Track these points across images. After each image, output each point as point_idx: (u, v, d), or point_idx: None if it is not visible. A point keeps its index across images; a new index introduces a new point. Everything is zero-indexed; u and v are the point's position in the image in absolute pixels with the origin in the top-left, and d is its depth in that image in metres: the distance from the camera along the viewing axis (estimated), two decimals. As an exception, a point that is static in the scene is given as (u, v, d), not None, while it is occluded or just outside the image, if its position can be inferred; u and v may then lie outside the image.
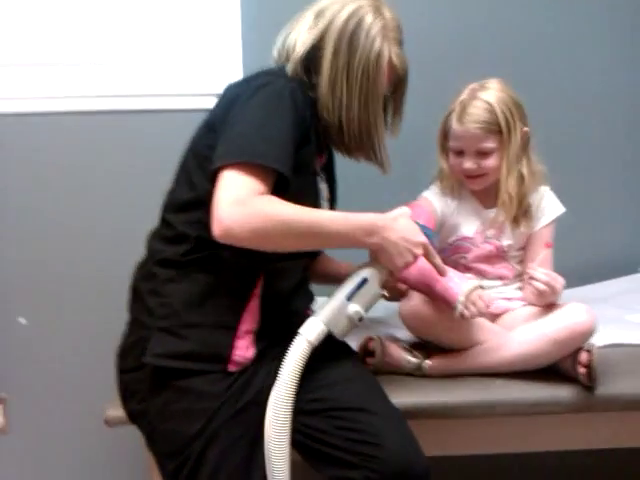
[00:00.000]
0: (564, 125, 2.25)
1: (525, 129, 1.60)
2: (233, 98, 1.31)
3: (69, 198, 2.12)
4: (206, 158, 1.27)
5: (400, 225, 1.29)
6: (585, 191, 2.24)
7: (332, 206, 1.52)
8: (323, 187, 1.46)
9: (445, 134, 1.63)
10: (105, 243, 2.12)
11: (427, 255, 1.33)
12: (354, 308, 1.25)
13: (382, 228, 1.27)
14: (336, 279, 1.38)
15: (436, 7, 2.21)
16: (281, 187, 1.24)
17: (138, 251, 1.41)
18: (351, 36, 1.34)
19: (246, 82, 1.35)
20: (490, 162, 1.58)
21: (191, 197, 1.31)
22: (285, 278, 1.36)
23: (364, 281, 1.29)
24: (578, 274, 2.00)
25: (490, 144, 1.57)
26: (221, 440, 1.24)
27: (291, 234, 1.22)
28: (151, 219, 1.40)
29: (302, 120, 1.29)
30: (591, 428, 1.52)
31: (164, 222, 1.37)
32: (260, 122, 1.24)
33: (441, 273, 1.39)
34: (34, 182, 2.11)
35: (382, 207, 1.34)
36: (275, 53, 1.44)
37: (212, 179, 1.22)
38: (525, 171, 1.60)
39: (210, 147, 1.27)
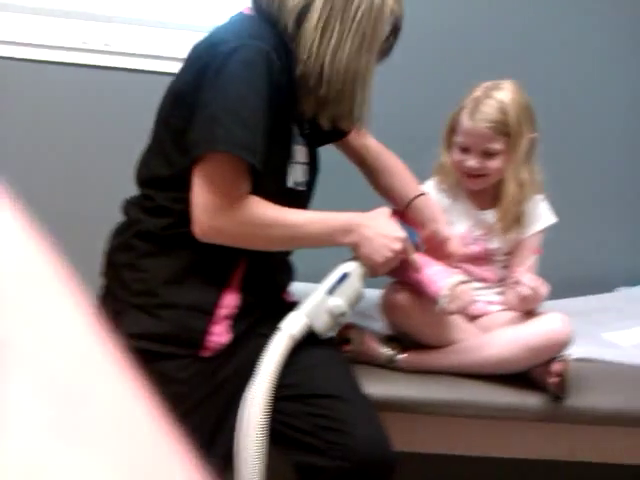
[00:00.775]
0: (554, 137, 2.26)
1: (534, 135, 1.58)
2: (201, 66, 1.22)
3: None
4: (180, 132, 1.23)
5: (377, 222, 1.30)
6: (570, 205, 2.25)
7: (312, 174, 1.44)
8: (299, 150, 1.37)
9: (453, 129, 1.60)
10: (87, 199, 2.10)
11: (404, 250, 1.33)
12: (335, 302, 1.26)
13: (358, 225, 1.28)
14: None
15: (443, 3, 2.20)
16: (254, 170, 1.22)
17: (116, 216, 1.37)
18: None
19: (214, 46, 1.23)
20: (494, 163, 1.55)
21: (171, 175, 1.26)
22: (271, 253, 1.35)
23: (345, 276, 1.29)
24: (557, 287, 2.03)
25: (497, 145, 1.53)
26: (186, 425, 1.22)
27: (271, 240, 1.25)
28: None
29: (278, 86, 1.21)
30: (555, 439, 1.54)
31: (143, 193, 1.33)
32: (232, 103, 1.17)
33: (416, 270, 1.39)
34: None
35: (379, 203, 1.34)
36: None
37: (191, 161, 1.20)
38: (527, 178, 1.58)
39: (183, 120, 1.22)
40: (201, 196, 1.19)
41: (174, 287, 1.25)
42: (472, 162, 1.55)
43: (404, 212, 1.47)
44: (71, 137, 2.11)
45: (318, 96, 1.28)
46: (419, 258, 1.45)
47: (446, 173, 1.64)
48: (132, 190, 1.37)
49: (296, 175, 1.36)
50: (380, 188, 1.60)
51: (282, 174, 1.32)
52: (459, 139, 1.57)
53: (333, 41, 1.23)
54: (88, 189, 2.11)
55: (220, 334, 1.26)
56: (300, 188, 1.39)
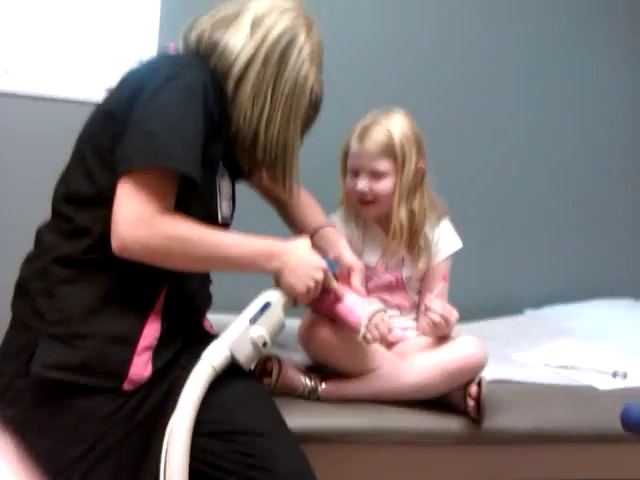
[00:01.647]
0: (457, 163, 2.34)
1: (421, 165, 1.62)
2: (137, 88, 1.21)
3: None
4: (107, 150, 1.20)
5: (299, 251, 1.31)
6: (476, 230, 2.32)
7: (233, 204, 1.47)
8: (225, 184, 1.39)
9: (345, 155, 1.65)
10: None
11: (325, 280, 1.34)
12: (258, 332, 1.23)
13: (281, 253, 1.29)
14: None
15: (348, 35, 2.28)
16: (186, 188, 1.21)
17: (27, 244, 1.31)
18: (283, 52, 1.32)
19: (153, 70, 1.26)
20: (382, 186, 1.58)
21: (93, 193, 1.22)
22: (190, 277, 1.32)
23: (267, 305, 1.27)
24: (467, 310, 2.08)
25: (384, 166, 1.58)
26: (106, 464, 1.16)
27: (192, 257, 1.21)
28: (40, 209, 1.31)
29: (212, 116, 1.24)
30: (478, 461, 1.56)
31: (60, 215, 1.26)
32: (172, 122, 1.18)
33: (338, 298, 1.40)
34: None
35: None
36: (193, 39, 1.34)
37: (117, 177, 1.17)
38: (416, 207, 1.62)
39: (112, 138, 1.20)
40: (126, 206, 1.15)
41: (93, 316, 1.19)
42: (361, 184, 1.59)
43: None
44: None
45: (253, 157, 1.35)
46: (338, 287, 1.45)
47: (347, 202, 1.67)
48: (34, 216, 1.32)
49: (224, 210, 1.37)
50: (287, 219, 1.63)
51: (212, 208, 1.32)
52: (349, 162, 1.62)
53: (265, 111, 1.31)
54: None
55: (142, 366, 1.20)
56: (226, 222, 1.39)
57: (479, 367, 1.49)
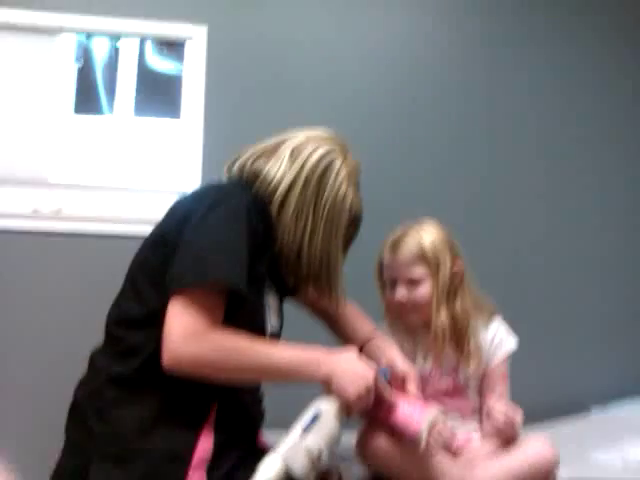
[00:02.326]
0: (524, 264, 2.32)
1: (457, 267, 1.62)
2: (185, 215, 1.30)
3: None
4: (158, 273, 1.26)
5: (347, 358, 1.31)
6: (537, 327, 2.27)
7: (281, 321, 1.50)
8: (273, 299, 1.43)
9: (380, 267, 1.66)
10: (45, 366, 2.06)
11: (377, 389, 1.33)
12: (312, 441, 1.20)
13: (330, 361, 1.29)
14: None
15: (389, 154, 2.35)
16: (235, 303, 1.25)
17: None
18: (321, 176, 1.40)
19: (199, 199, 1.35)
20: (420, 292, 1.59)
21: (143, 313, 1.27)
22: (241, 390, 1.32)
23: (320, 414, 1.25)
24: (530, 409, 2.02)
25: (418, 272, 1.59)
26: None
27: (242, 369, 1.23)
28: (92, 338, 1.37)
29: (256, 235, 1.29)
30: None
31: (112, 337, 1.32)
32: (218, 241, 1.24)
33: (393, 407, 1.38)
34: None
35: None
36: (235, 169, 1.45)
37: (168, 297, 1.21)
38: (458, 309, 1.60)
39: (162, 262, 1.26)
40: (177, 322, 1.19)
41: (145, 435, 1.20)
42: (399, 294, 1.59)
43: (360, 353, 1.46)
44: (22, 306, 2.07)
45: (298, 273, 1.41)
46: (392, 395, 1.41)
47: (390, 314, 1.67)
48: (87, 344, 1.38)
49: (272, 324, 1.40)
50: (336, 332, 1.64)
51: (261, 323, 1.35)
52: (385, 274, 1.64)
53: (308, 230, 1.38)
54: (41, 353, 2.09)
55: None
56: (274, 335, 1.41)
57: (552, 468, 1.42)
